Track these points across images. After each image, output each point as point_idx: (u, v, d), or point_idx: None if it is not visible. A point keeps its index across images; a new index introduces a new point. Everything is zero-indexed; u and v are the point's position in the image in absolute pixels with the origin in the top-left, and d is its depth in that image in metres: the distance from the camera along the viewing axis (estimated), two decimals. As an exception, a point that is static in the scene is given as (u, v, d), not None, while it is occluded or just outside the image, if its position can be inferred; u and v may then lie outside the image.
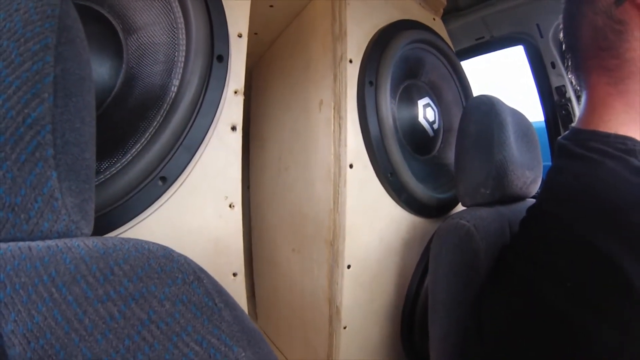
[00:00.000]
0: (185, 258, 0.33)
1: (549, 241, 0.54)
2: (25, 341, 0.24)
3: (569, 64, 0.63)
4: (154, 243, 0.32)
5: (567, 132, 0.63)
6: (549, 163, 1.17)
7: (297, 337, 1.26)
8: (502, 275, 0.64)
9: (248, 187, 1.68)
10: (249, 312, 1.66)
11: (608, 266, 0.44)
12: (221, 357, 0.28)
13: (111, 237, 0.32)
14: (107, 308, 0.26)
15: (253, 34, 1.31)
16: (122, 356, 0.25)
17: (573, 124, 0.63)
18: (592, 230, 0.47)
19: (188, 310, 0.29)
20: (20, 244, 0.28)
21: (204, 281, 0.31)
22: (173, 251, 0.32)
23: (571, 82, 1.29)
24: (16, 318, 0.25)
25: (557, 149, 0.63)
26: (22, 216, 0.28)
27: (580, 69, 0.61)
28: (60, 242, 0.29)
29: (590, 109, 0.59)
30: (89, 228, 0.34)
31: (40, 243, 0.28)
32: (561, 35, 0.63)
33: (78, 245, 0.29)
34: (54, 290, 0.26)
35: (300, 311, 1.21)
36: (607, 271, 0.44)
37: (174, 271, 0.30)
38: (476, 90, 1.25)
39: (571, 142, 0.59)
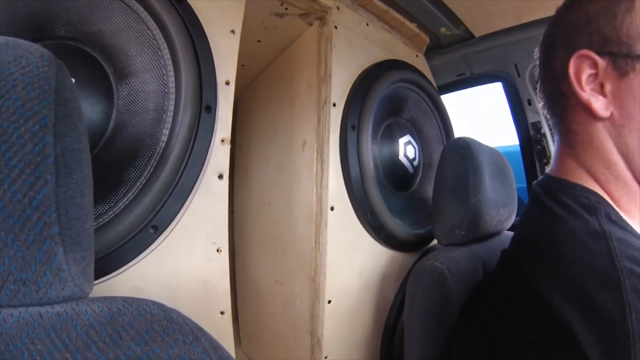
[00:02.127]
0: (184, 318, 0.35)
1: (509, 291, 0.55)
2: None
3: (543, 99, 0.63)
4: (153, 303, 0.35)
5: (541, 177, 0.64)
6: (524, 184, 1.22)
7: (281, 364, 1.28)
8: (470, 316, 0.66)
9: (232, 212, 1.69)
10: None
11: (561, 327, 0.45)
12: None
13: (113, 299, 0.34)
14: None
15: (240, 66, 1.32)
16: None
17: (547, 169, 0.63)
18: (545, 286, 0.48)
19: None
20: (31, 309, 0.30)
21: (202, 340, 0.33)
22: (172, 312, 0.35)
23: (547, 120, 1.35)
24: None
25: (531, 195, 0.64)
26: (32, 288, 0.30)
27: (554, 108, 0.61)
28: (68, 308, 0.31)
29: (562, 157, 0.60)
30: (90, 287, 0.36)
31: (49, 309, 0.31)
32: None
33: (85, 310, 0.31)
34: (68, 356, 0.28)
35: (284, 339, 1.22)
36: (556, 327, 0.45)
37: (175, 333, 0.33)
38: (458, 121, 1.29)
39: (542, 189, 0.60)
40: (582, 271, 0.47)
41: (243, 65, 1.36)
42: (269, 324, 1.34)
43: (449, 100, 1.41)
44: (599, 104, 0.52)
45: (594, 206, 0.52)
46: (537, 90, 0.63)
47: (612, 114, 0.52)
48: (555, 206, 0.55)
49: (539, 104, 0.65)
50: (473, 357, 0.60)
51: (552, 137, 1.34)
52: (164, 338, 0.32)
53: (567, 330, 0.44)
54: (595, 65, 0.52)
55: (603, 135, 0.54)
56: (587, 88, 0.53)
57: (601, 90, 0.52)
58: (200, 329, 0.35)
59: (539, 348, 0.47)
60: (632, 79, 0.50)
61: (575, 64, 0.53)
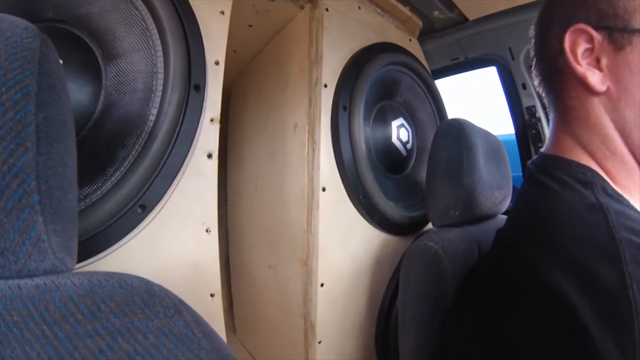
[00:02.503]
0: (166, 291, 0.34)
1: (504, 270, 0.55)
2: None
3: (538, 77, 0.63)
4: (136, 277, 0.34)
5: (536, 156, 0.63)
6: (519, 173, 1.22)
7: (274, 350, 1.28)
8: (465, 298, 0.66)
9: (225, 201, 1.69)
10: (227, 324, 1.67)
11: (559, 303, 0.44)
12: None
13: (95, 273, 0.34)
14: (96, 343, 0.28)
15: (232, 52, 1.32)
16: None
17: (542, 149, 0.63)
18: (542, 262, 0.48)
19: (170, 342, 0.30)
20: (10, 282, 0.30)
21: (184, 313, 0.33)
22: (154, 285, 0.34)
23: (541, 102, 1.34)
24: (12, 354, 0.26)
25: (525, 174, 0.64)
26: (11, 258, 0.30)
27: (549, 86, 0.61)
28: (47, 280, 0.31)
29: (558, 135, 0.60)
30: (72, 263, 0.35)
31: (28, 281, 0.30)
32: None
33: (65, 283, 0.31)
34: (45, 328, 0.28)
35: (277, 326, 1.22)
36: (555, 304, 0.45)
37: (156, 306, 0.32)
38: (453, 106, 1.29)
39: (537, 167, 0.60)
40: (579, 245, 0.46)
41: (235, 51, 1.35)
42: (264, 311, 1.34)
43: (442, 86, 1.40)
44: (595, 78, 0.52)
45: (590, 181, 0.52)
46: (532, 68, 0.63)
47: (608, 88, 0.52)
48: (551, 182, 0.55)
49: (535, 82, 0.63)
50: (468, 339, 0.60)
51: (547, 120, 1.34)
52: (144, 311, 0.31)
53: (566, 306, 0.44)
54: (591, 39, 0.52)
55: (599, 110, 0.54)
56: (583, 62, 0.53)
57: (597, 64, 0.52)
58: (183, 303, 0.34)
59: (536, 326, 0.47)
60: (628, 53, 0.50)
61: (570, 38, 0.53)
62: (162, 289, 0.34)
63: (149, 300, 0.32)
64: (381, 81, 1.14)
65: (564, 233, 0.48)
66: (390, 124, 1.17)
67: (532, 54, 0.63)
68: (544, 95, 0.63)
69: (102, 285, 0.31)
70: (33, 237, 0.30)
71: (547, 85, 0.60)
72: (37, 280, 0.30)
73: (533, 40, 0.62)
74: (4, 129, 0.29)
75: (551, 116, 0.62)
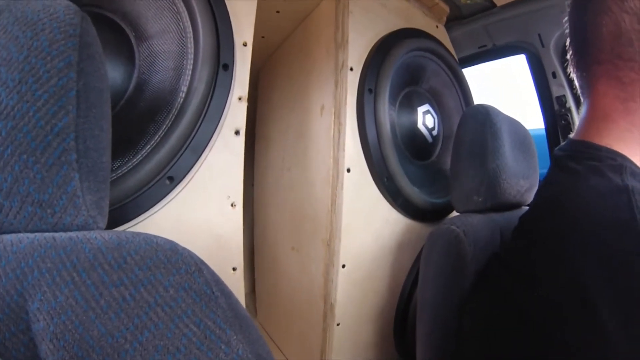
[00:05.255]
0: (189, 251, 0.36)
1: (528, 253, 0.55)
2: (49, 317, 0.28)
3: (574, 62, 0.58)
4: (161, 237, 0.36)
5: (564, 142, 0.61)
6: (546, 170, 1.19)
7: (294, 332, 1.30)
8: (486, 282, 0.65)
9: (252, 185, 1.71)
10: (249, 308, 1.70)
11: (575, 284, 0.44)
12: (215, 338, 0.31)
13: (124, 231, 0.36)
14: (120, 291, 0.30)
15: (260, 37, 1.34)
16: (131, 333, 0.29)
17: (571, 135, 0.61)
18: (566, 246, 0.47)
19: (189, 297, 0.32)
20: (46, 234, 0.32)
21: (204, 272, 0.34)
22: (178, 245, 0.36)
23: (572, 92, 1.31)
24: (42, 297, 0.28)
25: (552, 160, 0.62)
26: (49, 211, 0.32)
27: (587, 72, 0.56)
28: (80, 234, 0.33)
29: (590, 121, 0.57)
30: (103, 222, 0.38)
31: (62, 234, 0.32)
32: (566, 27, 0.59)
33: (95, 237, 0.32)
34: (75, 275, 0.30)
35: (298, 307, 1.24)
36: (574, 289, 0.44)
37: (178, 262, 0.33)
38: (479, 97, 1.27)
39: (565, 153, 0.58)
40: (600, 224, 0.46)
41: (263, 37, 1.37)
42: (285, 293, 1.36)
43: (470, 75, 1.38)
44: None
45: (620, 164, 0.51)
46: (567, 47, 0.60)
47: None
48: (578, 167, 0.54)
49: (570, 67, 0.59)
50: (484, 321, 0.60)
51: (578, 110, 1.30)
52: (167, 266, 0.33)
53: (580, 284, 0.44)
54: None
55: None
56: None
57: None
58: (204, 263, 0.36)
59: (553, 305, 0.47)
60: None
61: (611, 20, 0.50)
62: (185, 249, 0.36)
63: (172, 257, 0.33)
64: (407, 67, 1.13)
65: (587, 214, 0.48)
66: (416, 110, 1.16)
67: (568, 33, 0.60)
68: (578, 77, 0.59)
69: (130, 241, 0.33)
70: (69, 192, 0.33)
71: (584, 67, 0.57)
72: (71, 234, 0.32)
73: (568, 18, 0.59)
74: (48, 93, 0.32)
75: (585, 101, 0.59)
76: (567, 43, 0.60)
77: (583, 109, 0.60)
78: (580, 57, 0.57)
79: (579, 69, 0.58)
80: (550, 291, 0.47)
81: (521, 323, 0.51)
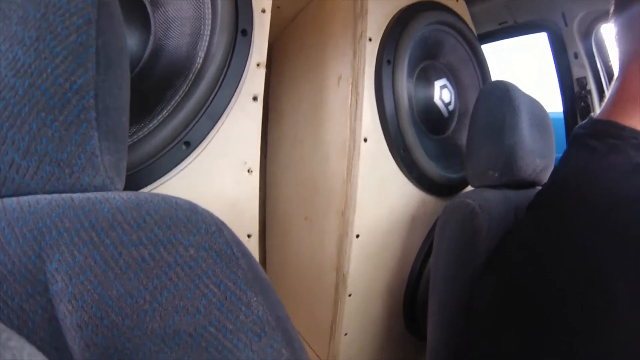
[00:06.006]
0: (209, 212, 0.35)
1: (542, 229, 0.55)
2: (68, 277, 0.28)
3: (617, 37, 0.57)
4: (180, 198, 0.35)
5: (585, 121, 0.61)
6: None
7: (304, 303, 1.31)
8: (498, 258, 0.66)
9: (265, 157, 1.70)
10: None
11: (590, 264, 0.44)
12: (235, 300, 0.31)
13: (142, 192, 0.35)
14: (140, 251, 0.30)
15: (276, 7, 1.31)
16: (151, 293, 0.29)
17: (592, 114, 0.61)
18: (580, 224, 0.47)
19: (209, 257, 0.32)
20: (64, 195, 0.31)
21: (224, 232, 0.34)
22: (197, 205, 0.35)
23: (594, 74, 1.28)
24: (60, 258, 0.28)
25: (572, 137, 0.61)
26: (67, 171, 0.32)
27: (625, 50, 0.56)
28: (98, 195, 0.32)
29: (618, 100, 0.56)
30: (121, 184, 0.37)
31: (80, 195, 0.32)
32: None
33: (114, 197, 0.32)
34: (93, 234, 0.29)
35: (309, 278, 1.25)
36: (588, 269, 0.44)
37: (198, 222, 0.33)
38: (496, 74, 1.25)
39: (586, 131, 0.58)
40: (617, 202, 0.46)
41: (278, 7, 1.34)
42: (296, 264, 1.37)
43: (488, 52, 1.35)
44: None
45: None
46: (611, 18, 0.58)
47: None
48: (600, 145, 0.53)
49: (614, 34, 0.58)
50: (493, 297, 0.60)
51: (599, 92, 1.27)
52: (187, 225, 0.32)
53: (594, 260, 0.43)
54: None
55: None
56: None
57: None
58: (224, 223, 0.35)
59: (558, 282, 0.47)
60: None
61: None
62: (204, 209, 0.35)
63: (192, 217, 0.33)
64: (425, 40, 1.12)
65: (604, 192, 0.48)
66: (433, 84, 1.15)
67: (613, 6, 0.58)
68: (620, 53, 0.57)
69: (149, 201, 0.33)
70: (88, 152, 0.32)
71: (625, 45, 0.55)
72: (89, 195, 0.32)
73: None
74: (67, 50, 0.31)
75: (616, 80, 0.58)
76: (611, 15, 0.58)
77: (612, 88, 0.59)
78: (623, 33, 0.56)
79: (620, 44, 0.57)
80: (561, 270, 0.47)
81: (529, 301, 0.51)
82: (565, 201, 0.53)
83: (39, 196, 0.31)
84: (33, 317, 0.28)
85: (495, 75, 1.27)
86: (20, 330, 0.28)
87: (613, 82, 0.59)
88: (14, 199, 0.31)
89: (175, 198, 0.35)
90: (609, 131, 0.54)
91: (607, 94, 0.59)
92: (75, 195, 0.32)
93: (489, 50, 1.54)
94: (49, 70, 0.30)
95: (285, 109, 1.50)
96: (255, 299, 0.32)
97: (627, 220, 0.43)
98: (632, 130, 0.52)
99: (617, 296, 0.41)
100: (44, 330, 0.29)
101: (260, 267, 0.36)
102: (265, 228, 1.74)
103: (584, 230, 0.46)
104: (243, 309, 0.31)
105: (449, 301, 0.74)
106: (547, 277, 0.49)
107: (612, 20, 0.58)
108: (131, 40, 0.70)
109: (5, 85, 0.30)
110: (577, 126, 0.61)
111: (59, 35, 0.31)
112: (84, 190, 0.33)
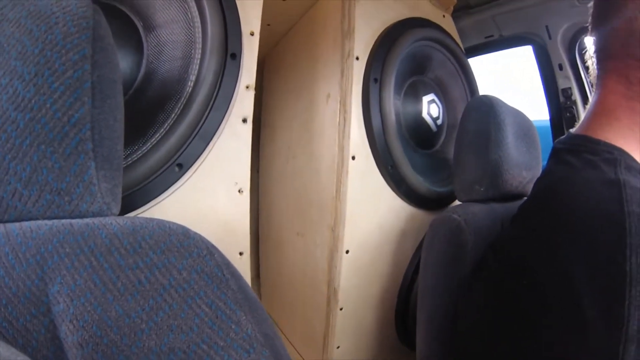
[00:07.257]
0: (200, 236, 0.37)
1: (521, 241, 0.56)
2: (69, 299, 0.30)
3: (593, 52, 0.58)
4: (173, 222, 0.37)
5: (564, 136, 0.62)
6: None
7: (297, 317, 1.32)
8: (482, 269, 0.66)
9: (258, 172, 1.72)
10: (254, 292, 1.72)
11: (562, 273, 0.45)
12: (226, 318, 0.33)
13: (137, 217, 0.37)
14: (136, 274, 0.32)
15: (266, 25, 1.33)
16: (147, 313, 0.31)
17: (572, 130, 0.62)
18: (557, 236, 0.48)
19: (201, 279, 0.34)
20: (64, 221, 0.33)
21: (215, 255, 0.36)
22: (190, 230, 0.37)
23: (578, 85, 1.31)
24: (62, 281, 0.30)
25: (551, 152, 0.63)
26: (66, 198, 0.34)
27: (600, 64, 0.57)
28: (96, 220, 0.34)
29: (594, 115, 0.57)
30: (117, 208, 0.39)
31: (79, 221, 0.34)
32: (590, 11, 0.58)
33: (111, 223, 0.34)
34: (93, 259, 0.31)
35: (302, 292, 1.26)
36: (561, 278, 0.45)
37: (190, 246, 0.35)
38: (484, 87, 1.27)
39: (564, 146, 0.59)
40: (588, 214, 0.47)
41: (269, 25, 1.36)
42: (290, 278, 1.38)
43: (475, 66, 1.38)
44: None
45: (615, 159, 0.52)
46: (590, 33, 0.59)
47: None
48: (575, 161, 0.55)
49: (590, 52, 0.59)
50: (478, 307, 0.61)
51: (583, 103, 1.30)
52: (180, 249, 0.34)
53: (566, 274, 0.44)
54: None
55: None
56: None
57: None
58: (215, 247, 0.37)
59: (537, 291, 0.48)
60: None
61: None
62: (196, 233, 0.37)
63: (185, 241, 0.35)
64: (413, 56, 1.14)
65: (578, 205, 0.48)
66: (421, 99, 1.17)
67: (590, 20, 0.59)
68: (596, 68, 0.59)
69: (144, 226, 0.35)
70: (86, 181, 0.34)
71: (629, 51, 0.54)
72: (87, 220, 0.34)
73: (593, 5, 0.58)
74: (64, 85, 0.33)
75: (594, 94, 0.59)
76: (590, 30, 0.59)
77: (590, 102, 0.60)
78: (597, 47, 0.58)
79: (597, 58, 0.58)
80: (539, 280, 0.48)
81: (511, 311, 0.51)
82: (543, 213, 0.54)
83: (40, 222, 0.33)
84: (37, 336, 0.30)
85: (495, 77, 1.29)
86: (24, 349, 0.30)
87: (591, 96, 0.60)
88: (17, 224, 0.33)
89: (169, 223, 0.37)
90: (585, 146, 0.55)
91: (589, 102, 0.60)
92: (74, 221, 0.34)
93: (488, 55, 1.57)
94: (48, 105, 0.32)
95: (278, 125, 1.52)
96: (244, 317, 0.34)
97: (597, 234, 0.44)
98: (607, 145, 0.53)
99: (585, 306, 0.42)
100: (46, 349, 0.30)
101: (249, 287, 0.39)
102: (260, 242, 1.75)
103: (559, 243, 0.47)
104: (233, 327, 0.33)
105: (437, 311, 0.75)
106: (525, 287, 0.50)
107: (590, 35, 0.59)
108: (124, 63, 0.72)
109: (7, 118, 0.31)
110: (556, 140, 0.63)
111: (56, 71, 0.32)
112: (82, 215, 0.35)
